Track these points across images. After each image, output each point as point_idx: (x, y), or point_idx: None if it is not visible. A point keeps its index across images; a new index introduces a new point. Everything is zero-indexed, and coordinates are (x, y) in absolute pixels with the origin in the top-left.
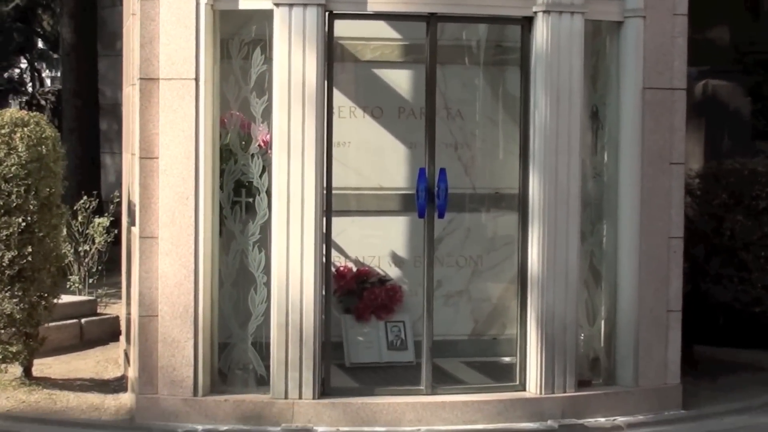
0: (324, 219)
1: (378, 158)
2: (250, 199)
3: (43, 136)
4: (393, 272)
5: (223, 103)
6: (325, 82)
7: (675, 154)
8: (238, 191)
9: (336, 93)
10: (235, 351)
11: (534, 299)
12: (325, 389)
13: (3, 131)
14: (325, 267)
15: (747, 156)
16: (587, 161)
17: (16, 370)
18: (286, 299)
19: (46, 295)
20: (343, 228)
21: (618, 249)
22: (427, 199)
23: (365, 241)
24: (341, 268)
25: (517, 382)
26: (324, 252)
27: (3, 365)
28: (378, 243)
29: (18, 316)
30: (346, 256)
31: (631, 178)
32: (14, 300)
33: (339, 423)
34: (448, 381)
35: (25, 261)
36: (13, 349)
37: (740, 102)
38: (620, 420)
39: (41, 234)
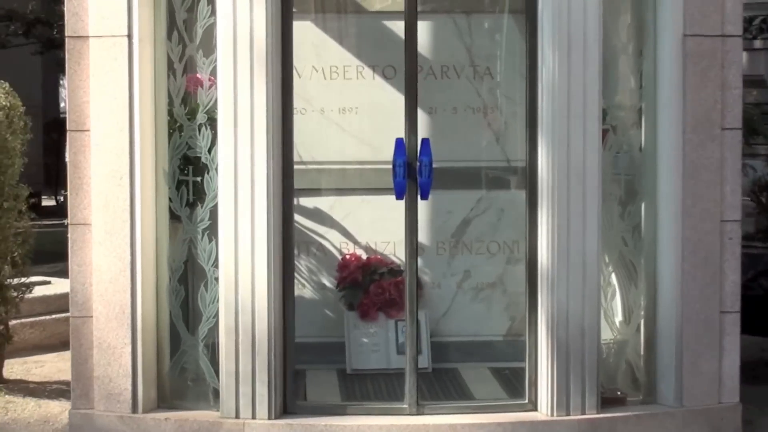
0: (282, 201)
1: (392, 126)
2: (199, 178)
3: None
4: None
5: (161, 64)
6: (281, 37)
7: (729, 118)
8: (185, 169)
9: (339, 50)
10: (185, 359)
11: (544, 298)
12: (287, 407)
13: None
14: (284, 258)
15: None
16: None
17: None
18: (236, 299)
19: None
20: (351, 209)
21: (657, 236)
22: (407, 177)
23: (378, 225)
24: (347, 257)
25: (527, 400)
26: (282, 241)
27: None
28: (392, 226)
29: None
30: (355, 243)
31: (670, 148)
32: None
33: None
34: (456, 395)
35: None
36: None
37: None
38: None
39: None
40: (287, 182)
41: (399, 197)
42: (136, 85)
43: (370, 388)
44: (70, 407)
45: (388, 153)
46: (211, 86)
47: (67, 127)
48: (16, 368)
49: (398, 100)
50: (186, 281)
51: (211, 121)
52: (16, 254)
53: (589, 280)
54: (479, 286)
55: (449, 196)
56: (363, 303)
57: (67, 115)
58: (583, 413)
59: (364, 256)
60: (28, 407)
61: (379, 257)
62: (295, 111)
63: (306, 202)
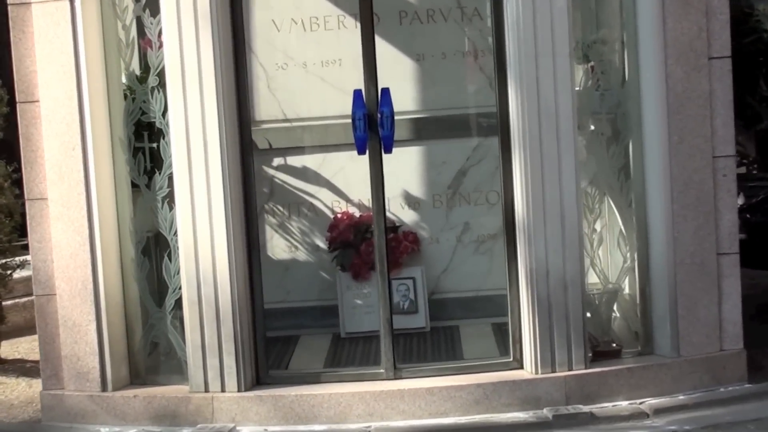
0: (241, 164)
1: (379, 76)
2: (155, 144)
3: None
4: (406, 216)
5: (109, 27)
6: None
7: (716, 46)
8: (140, 135)
9: (317, 1)
10: (154, 333)
11: (522, 251)
12: (260, 378)
13: None
14: (247, 224)
15: None
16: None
17: None
18: (196, 269)
19: None
20: (341, 166)
21: (645, 177)
22: (367, 130)
23: (369, 181)
24: (338, 216)
25: (512, 359)
26: (244, 206)
27: None
28: (386, 181)
29: None
30: (347, 201)
31: (653, 82)
32: None
33: (268, 421)
34: (448, 356)
35: None
36: None
37: None
38: (651, 402)
39: None
40: (245, 143)
41: (361, 152)
42: (81, 51)
43: (361, 353)
44: (42, 388)
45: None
46: (160, 47)
47: (17, 99)
48: (16, 347)
49: (384, 48)
50: (150, 252)
51: (163, 85)
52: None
53: (568, 231)
54: (480, 238)
55: (443, 146)
56: (354, 263)
57: (15, 86)
58: (570, 369)
59: (358, 214)
60: (18, 388)
61: (370, 213)
62: (276, 66)
63: (293, 161)
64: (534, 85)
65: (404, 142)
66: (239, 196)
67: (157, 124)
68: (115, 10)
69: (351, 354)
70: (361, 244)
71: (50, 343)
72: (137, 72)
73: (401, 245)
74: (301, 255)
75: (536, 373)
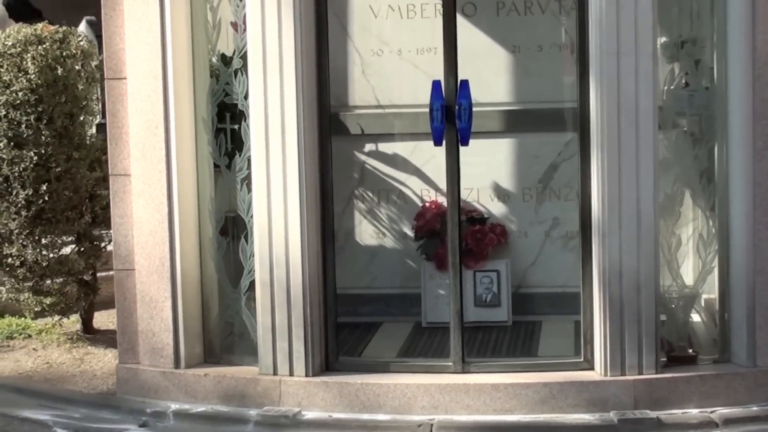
0: (319, 149)
1: (473, 67)
2: (236, 126)
3: (63, 54)
4: (495, 208)
5: (197, 7)
6: None
7: None
8: (222, 116)
9: None
10: (228, 313)
11: (596, 250)
12: (329, 364)
13: (12, 51)
14: (322, 208)
15: None
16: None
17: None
18: (269, 252)
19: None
20: (432, 154)
21: (728, 181)
22: (445, 121)
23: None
24: (426, 205)
25: (582, 359)
26: (320, 190)
27: (57, 317)
28: (476, 172)
29: (44, 264)
30: (436, 189)
31: (740, 84)
32: (37, 245)
33: (333, 407)
34: (522, 352)
35: (41, 201)
36: (48, 300)
37: None
38: (722, 412)
39: (58, 169)
40: (324, 129)
41: (437, 143)
42: (168, 30)
43: (438, 343)
44: (118, 361)
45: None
46: (245, 30)
47: (105, 75)
48: (110, 319)
49: (480, 38)
50: (228, 233)
51: (246, 68)
52: (96, 206)
53: (644, 232)
54: (569, 234)
55: (535, 140)
56: (439, 253)
57: (105, 62)
58: (640, 373)
59: (446, 204)
60: (104, 359)
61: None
62: (371, 53)
63: (384, 147)
64: (615, 82)
65: (497, 134)
66: (315, 181)
67: (239, 106)
68: None
69: (428, 344)
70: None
71: (128, 317)
72: (225, 53)
73: (487, 237)
74: (389, 242)
75: (605, 375)
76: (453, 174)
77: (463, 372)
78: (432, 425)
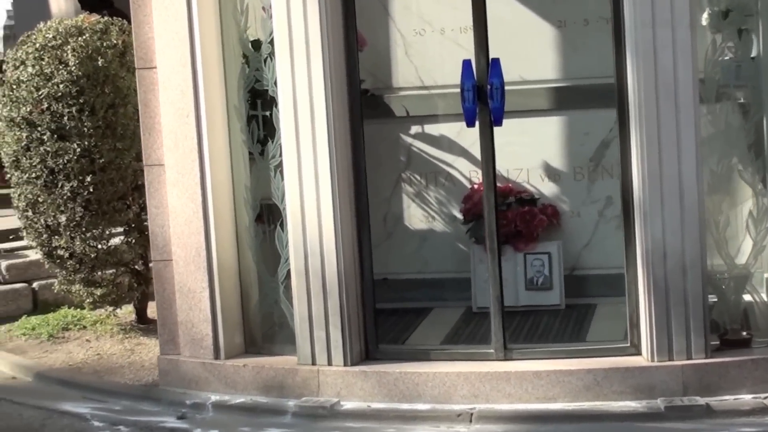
0: (351, 133)
1: (517, 43)
2: (268, 113)
3: (104, 45)
4: (546, 188)
5: None
6: None
7: None
8: (254, 103)
9: None
10: (267, 302)
11: (638, 231)
12: (369, 352)
13: (53, 44)
14: (356, 194)
15: None
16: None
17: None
18: (303, 240)
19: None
20: (478, 135)
21: None
22: (477, 102)
23: (508, 150)
24: (474, 186)
25: (629, 344)
26: (353, 175)
27: (110, 308)
28: (524, 152)
29: (92, 255)
30: None
31: None
32: (85, 237)
33: (372, 397)
34: (571, 337)
35: (87, 192)
36: (98, 292)
37: None
38: None
39: (102, 160)
40: (354, 113)
41: (470, 124)
42: (195, 17)
43: (486, 329)
44: (159, 353)
45: (515, 73)
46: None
47: (135, 65)
48: None
49: (523, 14)
50: (264, 220)
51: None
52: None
53: (688, 210)
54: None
55: (585, 117)
56: None
57: (135, 52)
58: (689, 358)
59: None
60: (154, 350)
61: (509, 185)
62: (414, 33)
63: (430, 129)
64: (651, 55)
65: (545, 112)
66: (347, 167)
67: (270, 92)
68: None
69: (475, 330)
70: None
71: (167, 308)
72: (258, 38)
73: (536, 219)
74: (438, 225)
75: (652, 360)
76: (488, 155)
77: (505, 359)
78: (472, 414)
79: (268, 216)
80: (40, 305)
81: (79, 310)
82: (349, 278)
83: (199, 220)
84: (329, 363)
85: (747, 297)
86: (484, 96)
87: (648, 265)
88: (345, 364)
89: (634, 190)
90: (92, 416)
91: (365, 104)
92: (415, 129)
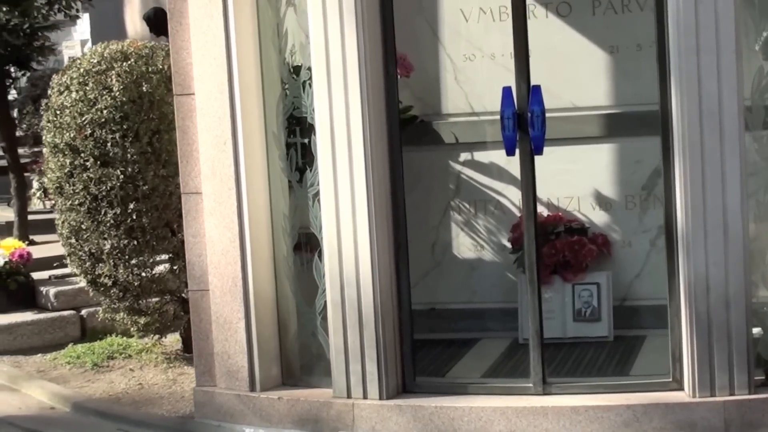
0: (389, 161)
1: (568, 69)
2: (306, 140)
3: (149, 71)
4: (597, 217)
5: (264, 19)
6: None
7: None
8: (293, 130)
9: None
10: (304, 334)
11: (681, 263)
12: (406, 385)
13: (97, 69)
14: (395, 224)
15: None
16: None
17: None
18: (340, 269)
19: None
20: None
21: None
22: (517, 130)
23: (559, 178)
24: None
25: (671, 378)
26: (391, 205)
27: (154, 336)
28: (575, 179)
29: (136, 283)
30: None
31: None
32: (128, 265)
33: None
34: (617, 370)
35: (130, 219)
36: (142, 320)
37: None
38: None
39: (146, 187)
40: (393, 140)
41: (510, 153)
42: (233, 43)
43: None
44: (196, 384)
45: (566, 100)
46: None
47: (173, 91)
48: None
49: (576, 39)
50: (302, 250)
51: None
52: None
53: (732, 242)
54: None
55: (637, 144)
56: None
57: (173, 78)
58: (731, 394)
59: (545, 213)
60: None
61: (559, 214)
62: (463, 58)
63: (480, 156)
64: (695, 83)
65: (596, 139)
66: (385, 195)
67: (308, 120)
68: (270, 2)
69: (519, 362)
70: (544, 245)
71: (204, 339)
72: (296, 64)
73: (585, 248)
74: (487, 254)
75: (693, 396)
76: (528, 184)
77: (544, 393)
78: None
79: (306, 245)
80: (88, 333)
81: (125, 338)
82: (386, 310)
83: (236, 250)
84: (364, 396)
85: None
86: (525, 124)
87: (690, 298)
88: (380, 398)
89: (677, 221)
90: None
91: (414, 131)
92: (464, 156)
